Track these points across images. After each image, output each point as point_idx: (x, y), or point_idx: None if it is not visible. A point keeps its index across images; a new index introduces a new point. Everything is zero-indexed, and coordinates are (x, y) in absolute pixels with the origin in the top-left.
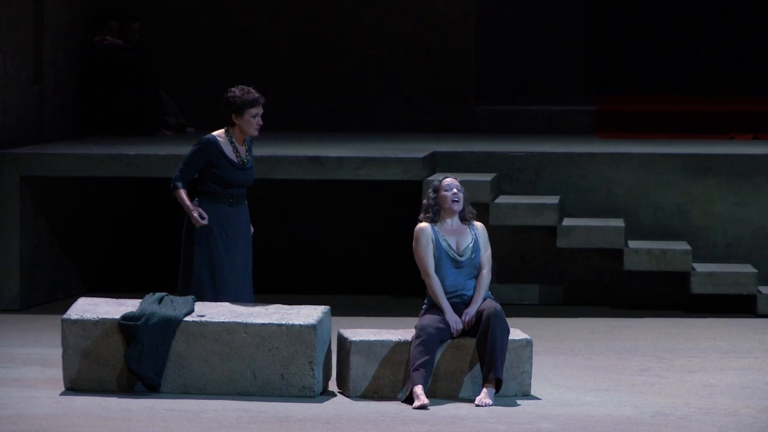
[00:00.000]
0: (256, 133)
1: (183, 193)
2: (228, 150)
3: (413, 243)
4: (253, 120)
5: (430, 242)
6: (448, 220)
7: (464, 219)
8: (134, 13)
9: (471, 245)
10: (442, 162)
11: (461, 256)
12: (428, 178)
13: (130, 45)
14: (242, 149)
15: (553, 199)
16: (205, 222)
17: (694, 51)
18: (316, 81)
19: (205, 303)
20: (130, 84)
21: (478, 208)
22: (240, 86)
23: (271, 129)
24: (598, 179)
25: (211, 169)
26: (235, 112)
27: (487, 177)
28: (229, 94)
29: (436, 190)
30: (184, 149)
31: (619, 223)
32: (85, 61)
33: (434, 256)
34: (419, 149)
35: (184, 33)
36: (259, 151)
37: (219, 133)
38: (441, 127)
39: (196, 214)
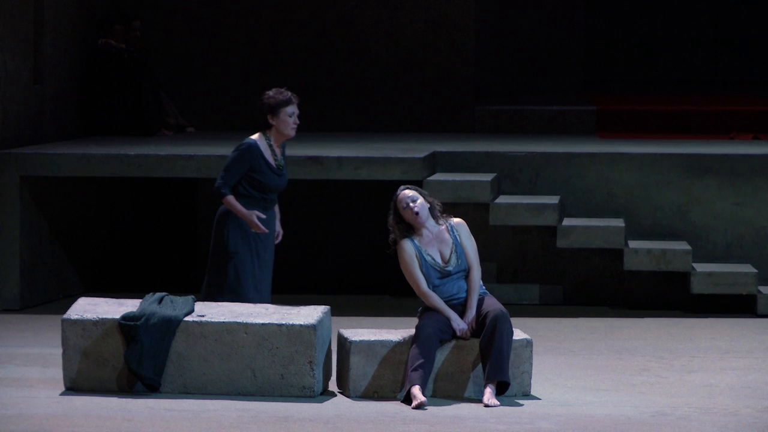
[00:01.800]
0: (292, 132)
1: (233, 199)
2: (267, 154)
3: (399, 261)
4: (289, 119)
5: (415, 259)
6: (423, 229)
7: (437, 219)
8: (135, 12)
9: (454, 250)
10: (442, 162)
11: (448, 265)
12: (428, 179)
13: (133, 48)
14: (278, 152)
15: (553, 199)
16: (262, 215)
17: (694, 51)
18: (316, 81)
19: (206, 303)
20: (130, 84)
21: (478, 208)
22: (275, 88)
23: None
24: (598, 179)
25: (251, 174)
26: (270, 113)
27: (487, 177)
28: (263, 96)
29: (396, 210)
30: (185, 149)
31: (619, 223)
32: (86, 61)
33: (422, 272)
34: (419, 149)
35: (184, 33)
36: None
37: (256, 137)
38: (441, 127)
39: (255, 219)
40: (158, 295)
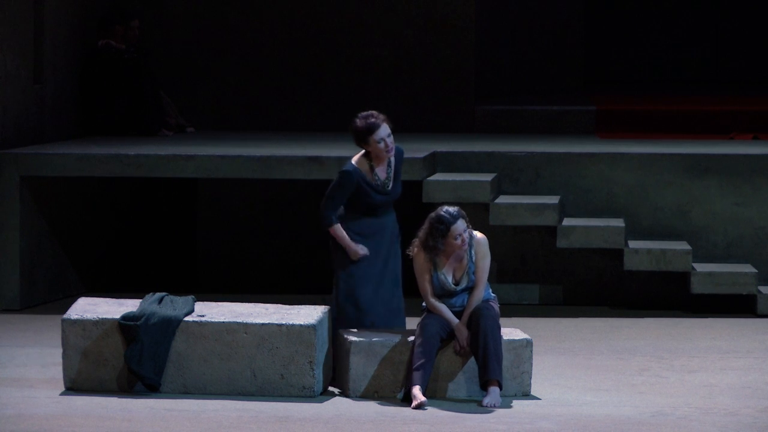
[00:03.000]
0: (388, 155)
1: (339, 229)
2: (369, 176)
3: (413, 266)
4: (379, 145)
5: (427, 270)
6: (452, 253)
7: None
8: (134, 12)
9: (466, 271)
10: (442, 162)
11: (458, 285)
12: (428, 179)
13: (133, 48)
14: (382, 170)
15: (553, 199)
16: (365, 253)
17: (694, 51)
18: (316, 81)
19: (206, 303)
20: (131, 85)
21: (478, 208)
22: (361, 114)
23: (271, 129)
24: (598, 179)
25: (357, 197)
26: (361, 141)
27: (487, 177)
28: (352, 125)
29: (444, 235)
30: (185, 149)
31: (619, 223)
32: (86, 62)
33: (431, 283)
34: (419, 149)
35: (184, 33)
36: (259, 151)
37: (357, 158)
38: (441, 127)
39: (355, 248)
40: (158, 295)
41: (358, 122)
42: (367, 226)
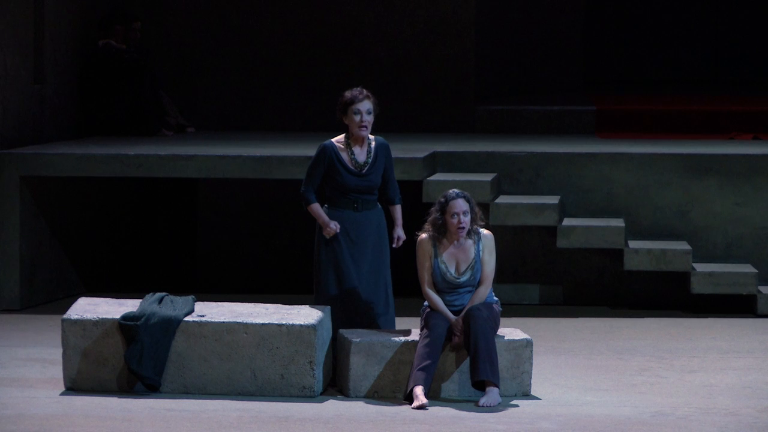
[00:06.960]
0: (360, 132)
1: (317, 207)
2: (344, 155)
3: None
4: (354, 117)
5: (427, 258)
6: (455, 240)
7: (470, 234)
8: (135, 13)
9: (473, 264)
10: (442, 162)
11: (460, 277)
12: (428, 179)
13: (133, 48)
14: (361, 153)
15: (553, 199)
16: (337, 229)
17: (694, 51)
18: (316, 81)
19: (206, 303)
20: (130, 84)
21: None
22: (354, 87)
23: (271, 129)
24: (598, 179)
25: (330, 174)
26: (341, 113)
27: (487, 177)
28: (339, 97)
29: (443, 211)
30: (185, 149)
31: (619, 223)
32: (86, 62)
33: (431, 273)
34: (419, 149)
35: (184, 33)
36: (259, 151)
37: (338, 138)
38: (441, 127)
39: (332, 226)
40: (158, 295)
41: (345, 93)
42: (348, 220)
